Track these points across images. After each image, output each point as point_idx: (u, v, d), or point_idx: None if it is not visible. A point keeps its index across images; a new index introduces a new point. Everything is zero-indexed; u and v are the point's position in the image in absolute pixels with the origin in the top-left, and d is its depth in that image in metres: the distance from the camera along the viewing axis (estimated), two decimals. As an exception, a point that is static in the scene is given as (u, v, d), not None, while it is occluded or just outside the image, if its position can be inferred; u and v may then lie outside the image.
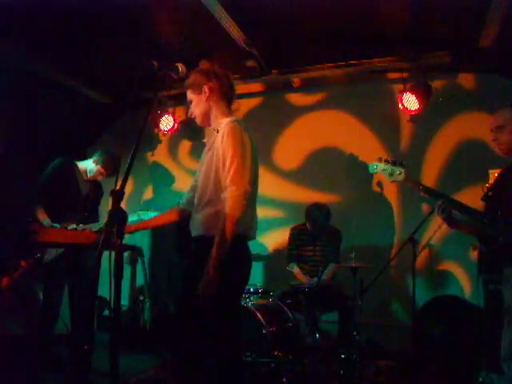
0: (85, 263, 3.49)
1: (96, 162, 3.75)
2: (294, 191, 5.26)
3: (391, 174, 2.64)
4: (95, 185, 3.91)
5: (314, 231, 4.37)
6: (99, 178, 3.83)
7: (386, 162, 2.67)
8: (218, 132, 2.24)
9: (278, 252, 5.07)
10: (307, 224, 4.39)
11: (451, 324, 3.91)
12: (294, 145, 5.33)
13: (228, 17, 3.72)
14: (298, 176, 5.27)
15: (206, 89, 2.28)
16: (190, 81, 2.32)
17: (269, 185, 5.15)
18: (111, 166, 3.72)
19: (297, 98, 5.40)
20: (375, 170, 2.71)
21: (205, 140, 2.42)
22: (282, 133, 5.40)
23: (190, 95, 2.35)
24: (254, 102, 5.50)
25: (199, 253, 2.19)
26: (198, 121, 2.36)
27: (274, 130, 5.41)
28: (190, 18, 3.85)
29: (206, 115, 2.33)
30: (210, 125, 2.36)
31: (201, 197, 2.26)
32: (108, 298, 1.52)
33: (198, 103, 2.32)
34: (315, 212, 4.32)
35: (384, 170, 2.66)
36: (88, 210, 3.71)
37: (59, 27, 3.92)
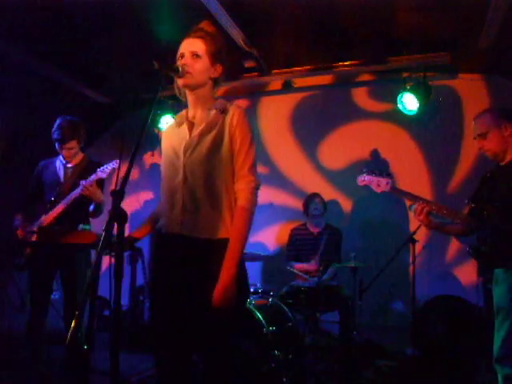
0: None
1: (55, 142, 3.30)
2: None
3: (378, 185, 2.75)
4: (74, 167, 3.34)
5: (312, 221, 4.46)
6: (70, 154, 3.28)
7: (373, 173, 2.79)
8: (221, 113, 1.93)
9: (278, 251, 5.08)
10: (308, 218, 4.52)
11: (451, 324, 3.91)
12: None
13: (228, 17, 3.72)
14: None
15: (219, 67, 1.98)
16: (213, 41, 1.97)
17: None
18: (62, 132, 3.21)
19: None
20: (363, 182, 2.83)
21: (178, 117, 2.05)
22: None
23: (201, 47, 1.94)
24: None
25: (205, 259, 1.85)
26: (187, 80, 1.92)
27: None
28: (190, 17, 3.84)
29: (201, 84, 1.96)
30: (193, 92, 1.98)
31: (200, 188, 1.88)
32: (108, 298, 1.51)
33: (203, 69, 1.94)
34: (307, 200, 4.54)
35: (371, 181, 2.77)
36: (59, 195, 3.23)
37: (59, 26, 3.92)
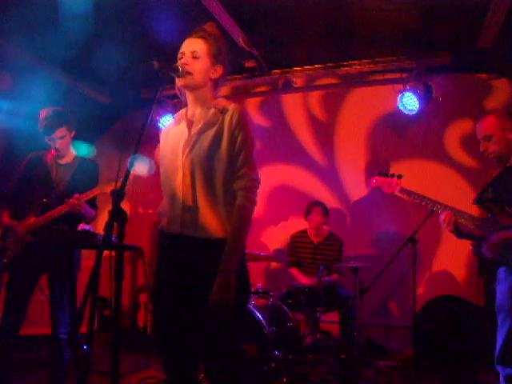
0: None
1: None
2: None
3: (389, 186, 2.83)
4: (66, 167, 3.14)
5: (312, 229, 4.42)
6: (62, 146, 3.06)
7: (384, 175, 2.87)
8: (220, 111, 1.91)
9: (278, 252, 5.07)
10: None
11: (451, 324, 3.91)
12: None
13: (228, 17, 3.72)
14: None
15: (219, 68, 1.97)
16: (214, 42, 1.96)
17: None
18: (47, 122, 2.99)
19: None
20: (374, 184, 2.92)
21: (177, 115, 2.05)
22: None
23: (202, 47, 1.93)
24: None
25: (205, 259, 1.83)
26: (187, 80, 1.91)
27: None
28: (190, 17, 3.84)
29: (201, 84, 1.94)
30: (193, 92, 1.97)
31: (199, 187, 1.86)
32: (108, 298, 1.51)
33: (203, 70, 1.92)
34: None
35: (382, 182, 2.86)
36: (52, 196, 3.01)
37: (58, 26, 3.92)
